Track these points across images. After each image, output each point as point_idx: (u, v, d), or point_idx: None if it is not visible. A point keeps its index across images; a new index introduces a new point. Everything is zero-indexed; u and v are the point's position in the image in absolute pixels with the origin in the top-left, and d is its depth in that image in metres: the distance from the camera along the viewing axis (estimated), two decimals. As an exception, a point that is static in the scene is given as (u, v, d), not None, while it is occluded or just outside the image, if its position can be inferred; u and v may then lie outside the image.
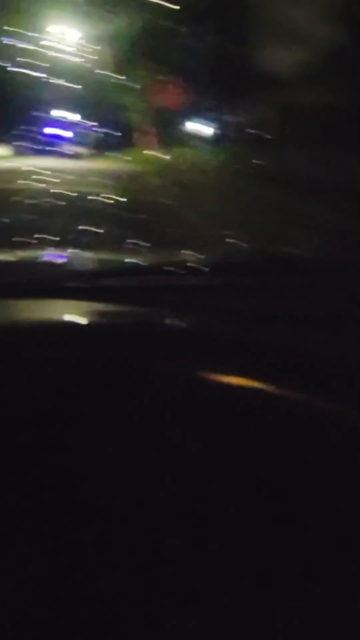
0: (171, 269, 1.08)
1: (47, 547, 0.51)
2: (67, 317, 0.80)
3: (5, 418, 0.56)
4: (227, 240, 4.14)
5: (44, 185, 7.66)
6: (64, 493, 0.52)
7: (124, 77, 17.68)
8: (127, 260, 1.31)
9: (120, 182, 8.74)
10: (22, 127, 18.57)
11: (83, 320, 0.78)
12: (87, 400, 0.58)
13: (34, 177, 7.72)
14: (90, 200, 6.21)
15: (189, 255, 1.34)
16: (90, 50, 17.47)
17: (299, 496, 0.51)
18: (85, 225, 4.17)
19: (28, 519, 0.52)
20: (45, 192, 6.58)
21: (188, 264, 1.17)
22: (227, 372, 0.59)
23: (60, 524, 0.52)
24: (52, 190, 6.68)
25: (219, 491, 0.52)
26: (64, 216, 4.85)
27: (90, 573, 0.51)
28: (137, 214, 5.35)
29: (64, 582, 0.51)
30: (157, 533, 0.51)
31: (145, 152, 16.94)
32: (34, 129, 18.71)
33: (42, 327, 0.73)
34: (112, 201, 6.22)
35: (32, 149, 17.67)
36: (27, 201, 6.03)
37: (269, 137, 10.77)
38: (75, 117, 19.82)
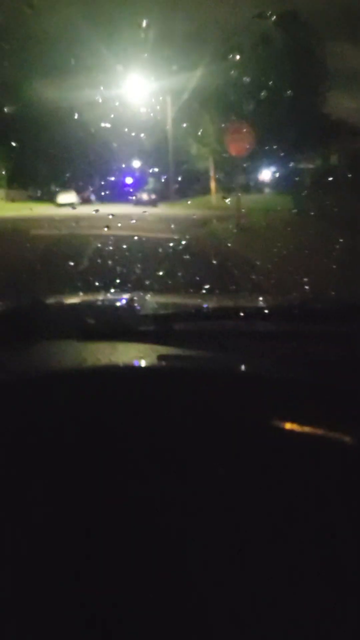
0: (243, 314, 1.06)
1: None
2: (140, 361, 0.80)
3: (78, 454, 0.57)
4: (299, 286, 4.11)
5: (114, 231, 7.98)
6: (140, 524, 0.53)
7: (191, 127, 18.32)
8: (198, 304, 1.31)
9: (189, 228, 8.95)
10: (91, 175, 19.52)
11: (155, 364, 0.77)
12: (157, 440, 0.58)
13: (105, 223, 8.04)
14: (160, 245, 6.36)
15: (260, 301, 1.33)
16: (158, 101, 18.25)
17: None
18: (157, 270, 4.26)
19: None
20: (116, 238, 6.82)
21: (260, 309, 1.15)
22: (297, 420, 0.57)
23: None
24: (122, 236, 6.91)
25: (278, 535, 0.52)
26: (135, 261, 4.97)
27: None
28: (207, 258, 5.42)
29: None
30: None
31: (212, 198, 17.33)
32: (103, 177, 19.64)
33: (113, 369, 0.74)
34: (181, 246, 6.35)
35: (101, 196, 18.51)
36: (99, 246, 6.25)
37: (338, 182, 10.77)
38: (143, 165, 20.65)
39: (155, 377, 0.70)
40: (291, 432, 0.56)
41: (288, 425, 0.56)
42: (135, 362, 0.80)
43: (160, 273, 4.06)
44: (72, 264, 4.71)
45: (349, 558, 0.48)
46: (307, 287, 3.96)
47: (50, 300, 1.22)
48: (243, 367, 0.72)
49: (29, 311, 1.03)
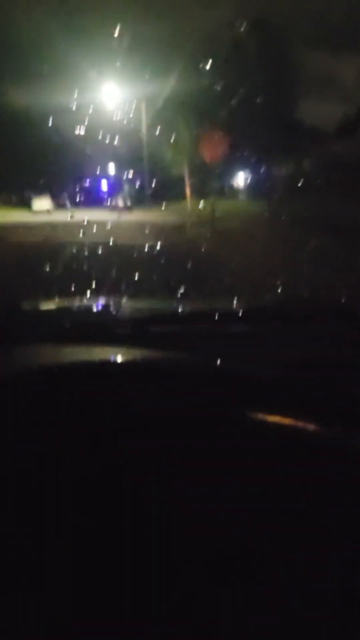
0: (217, 316, 1.07)
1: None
2: (117, 363, 0.81)
3: (55, 455, 0.58)
4: (275, 288, 4.17)
5: (90, 237, 7.92)
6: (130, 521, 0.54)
7: (166, 133, 18.34)
8: (174, 308, 1.31)
9: (164, 233, 8.95)
10: (66, 181, 19.36)
11: (131, 366, 0.79)
12: (134, 443, 0.59)
13: (80, 228, 7.99)
14: (136, 250, 6.39)
15: (234, 303, 1.33)
16: (133, 108, 18.20)
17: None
18: (132, 274, 4.28)
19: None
20: (92, 243, 6.80)
21: (234, 312, 1.16)
22: (274, 417, 0.60)
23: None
24: (98, 242, 6.89)
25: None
26: (111, 265, 4.97)
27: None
28: (183, 262, 5.45)
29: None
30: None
31: (187, 204, 17.33)
32: (77, 183, 19.50)
33: (91, 371, 0.75)
34: (157, 251, 6.37)
35: (76, 202, 18.37)
36: (76, 251, 6.25)
37: (309, 187, 10.90)
38: (118, 171, 20.57)
39: (131, 377, 0.71)
40: (268, 427, 0.58)
41: (264, 421, 0.58)
42: (112, 358, 0.81)
43: (134, 276, 4.10)
44: (48, 269, 4.72)
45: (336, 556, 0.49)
46: (279, 290, 4.03)
47: (26, 306, 1.21)
48: (219, 367, 0.72)
49: (4, 316, 1.03)
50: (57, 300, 1.56)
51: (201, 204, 13.95)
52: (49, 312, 1.23)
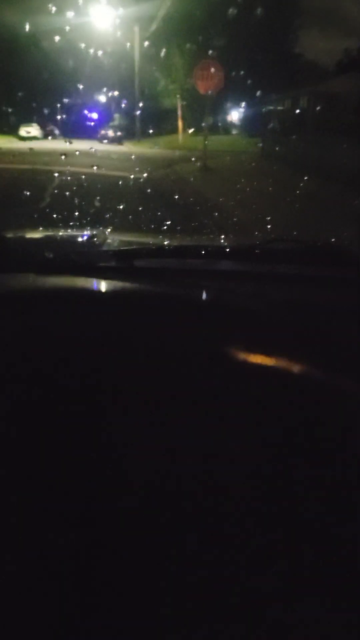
0: (204, 252, 1.04)
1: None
2: (101, 296, 0.81)
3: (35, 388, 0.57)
4: (263, 227, 4.17)
5: (76, 165, 7.76)
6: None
7: (159, 62, 17.53)
8: (160, 242, 1.29)
9: (153, 167, 8.77)
10: (55, 108, 18.67)
11: (114, 299, 0.79)
12: (115, 373, 0.59)
13: (70, 159, 7.81)
14: (125, 182, 6.28)
15: (222, 240, 1.35)
16: (126, 32, 17.30)
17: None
18: (121, 206, 4.23)
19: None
20: (81, 174, 6.67)
21: (221, 249, 1.14)
22: (256, 351, 0.60)
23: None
24: (87, 172, 6.76)
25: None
26: (100, 197, 4.91)
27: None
28: (172, 197, 5.39)
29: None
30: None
31: (179, 137, 16.87)
32: (67, 111, 18.81)
33: (73, 299, 0.75)
34: (146, 184, 6.28)
35: (65, 131, 17.80)
36: (65, 181, 6.13)
37: (306, 124, 10.64)
38: (109, 100, 19.81)
39: (114, 307, 0.71)
40: (250, 362, 0.58)
41: (248, 356, 0.59)
42: (96, 288, 0.81)
43: (122, 209, 4.06)
44: (35, 199, 4.64)
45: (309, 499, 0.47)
46: (268, 229, 4.03)
47: (10, 234, 1.20)
48: (205, 302, 0.74)
49: None
50: (40, 230, 1.55)
51: (193, 139, 13.59)
52: (31, 242, 1.22)
